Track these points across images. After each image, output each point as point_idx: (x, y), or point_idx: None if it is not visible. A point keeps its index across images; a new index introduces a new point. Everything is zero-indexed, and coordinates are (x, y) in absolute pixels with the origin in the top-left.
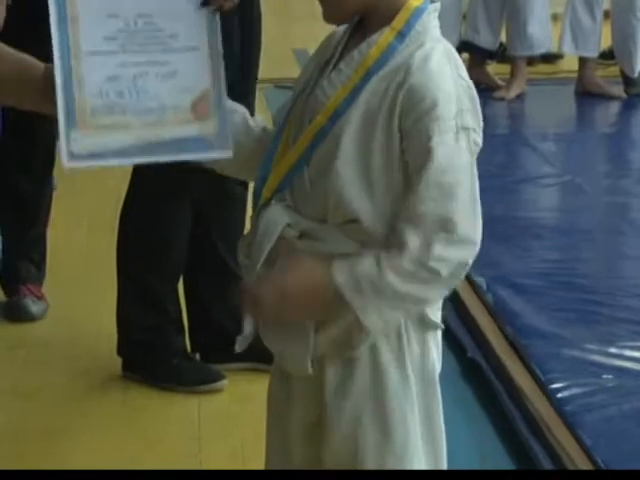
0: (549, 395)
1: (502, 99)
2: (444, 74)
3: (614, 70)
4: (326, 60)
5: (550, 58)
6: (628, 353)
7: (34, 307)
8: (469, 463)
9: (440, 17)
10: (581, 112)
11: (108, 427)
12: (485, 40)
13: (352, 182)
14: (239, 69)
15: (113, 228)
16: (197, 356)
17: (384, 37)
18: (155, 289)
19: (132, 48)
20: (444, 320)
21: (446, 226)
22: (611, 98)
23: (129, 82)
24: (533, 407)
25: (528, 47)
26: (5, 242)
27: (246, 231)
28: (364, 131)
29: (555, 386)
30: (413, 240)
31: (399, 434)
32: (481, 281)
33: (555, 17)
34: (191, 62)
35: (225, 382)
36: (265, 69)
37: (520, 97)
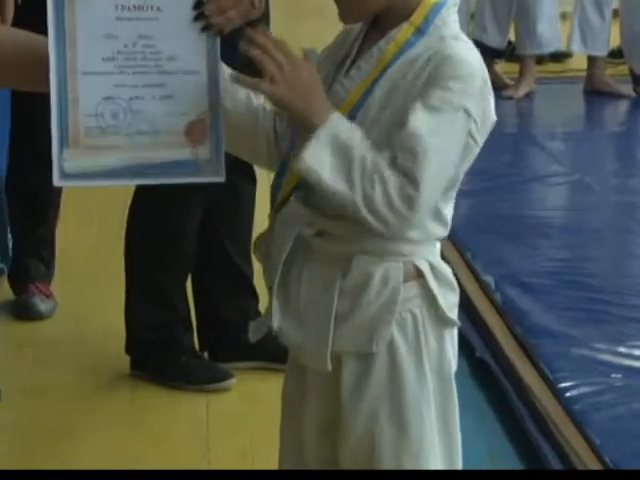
0: (558, 394)
1: (511, 98)
2: (474, 61)
3: (623, 69)
4: (342, 59)
5: (559, 57)
6: (637, 352)
7: (43, 305)
8: (478, 462)
9: None
10: (590, 111)
11: (116, 425)
12: (493, 39)
13: None
14: (246, 67)
15: (122, 226)
16: (205, 354)
17: (402, 33)
18: (163, 287)
19: (129, 70)
20: None
21: (409, 178)
22: (620, 97)
23: (124, 103)
24: (542, 406)
25: (537, 46)
26: (14, 240)
27: (254, 232)
28: (381, 120)
29: (564, 385)
30: (393, 156)
31: (415, 430)
32: (489, 280)
33: (564, 16)
34: (189, 85)
35: (233, 381)
36: None
37: (529, 96)
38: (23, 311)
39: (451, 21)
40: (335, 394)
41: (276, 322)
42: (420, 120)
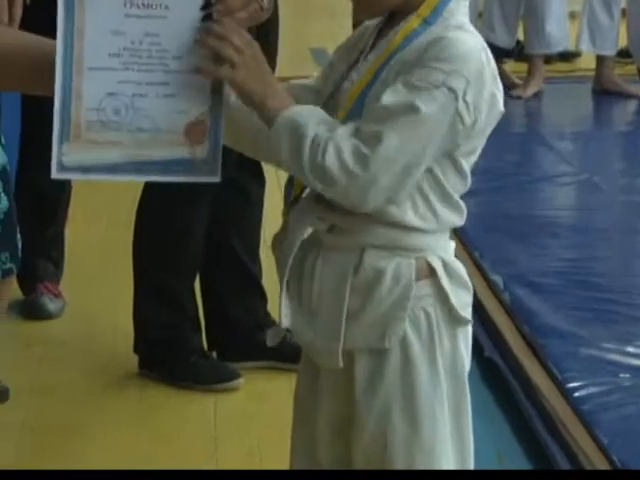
0: (566, 394)
1: (519, 97)
2: (471, 45)
3: (632, 68)
4: (356, 59)
5: (567, 56)
6: None
7: (51, 305)
8: (486, 461)
9: None
10: (598, 110)
11: (124, 425)
12: (501, 39)
13: None
14: None
15: (131, 225)
16: (214, 354)
17: (409, 23)
18: (172, 287)
19: (134, 66)
20: None
21: (366, 141)
22: (629, 96)
23: (127, 100)
24: (550, 406)
25: (546, 45)
26: (23, 240)
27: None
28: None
29: (572, 385)
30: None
31: (427, 428)
32: (498, 280)
33: (572, 15)
34: (192, 85)
35: (241, 381)
36: (281, 68)
37: (537, 95)
38: (32, 310)
39: (460, 13)
40: (349, 392)
41: (285, 319)
42: (394, 95)
